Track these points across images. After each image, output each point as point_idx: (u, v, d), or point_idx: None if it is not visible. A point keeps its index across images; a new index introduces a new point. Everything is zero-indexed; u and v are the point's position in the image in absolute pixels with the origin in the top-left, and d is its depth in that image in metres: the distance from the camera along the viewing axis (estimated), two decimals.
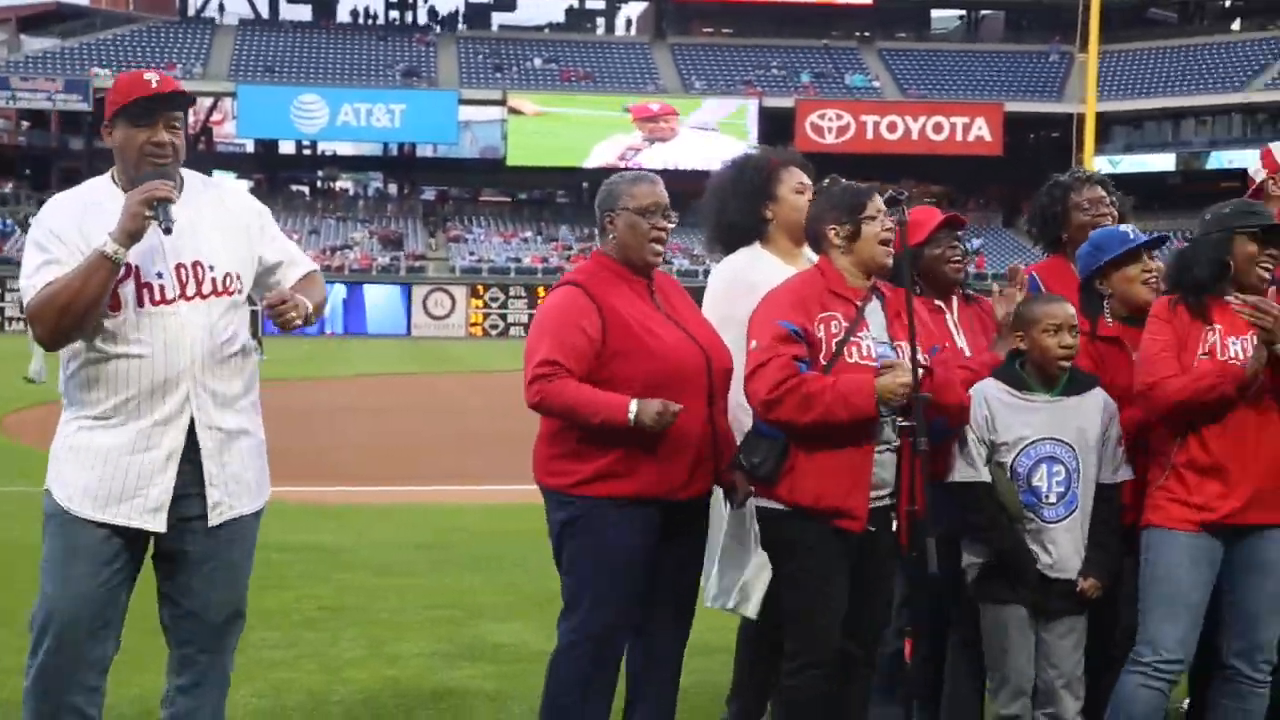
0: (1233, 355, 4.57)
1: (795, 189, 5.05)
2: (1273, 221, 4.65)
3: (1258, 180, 5.68)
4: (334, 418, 21.25)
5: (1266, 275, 4.62)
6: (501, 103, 61.13)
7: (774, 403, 4.36)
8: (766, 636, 4.84)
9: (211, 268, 4.06)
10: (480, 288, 55.25)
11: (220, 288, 4.08)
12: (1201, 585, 4.58)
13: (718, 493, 4.72)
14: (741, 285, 4.87)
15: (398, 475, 14.69)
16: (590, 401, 4.42)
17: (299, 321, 4.04)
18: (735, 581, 4.79)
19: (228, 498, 4.13)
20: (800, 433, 4.41)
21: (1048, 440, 4.73)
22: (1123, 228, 5.07)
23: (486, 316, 54.63)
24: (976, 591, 4.77)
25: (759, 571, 4.68)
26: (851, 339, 4.43)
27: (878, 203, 4.52)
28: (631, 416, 4.35)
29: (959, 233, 5.22)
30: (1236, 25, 65.88)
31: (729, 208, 5.11)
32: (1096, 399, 4.77)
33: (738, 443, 4.63)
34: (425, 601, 8.00)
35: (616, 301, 4.56)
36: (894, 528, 4.48)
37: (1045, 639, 4.76)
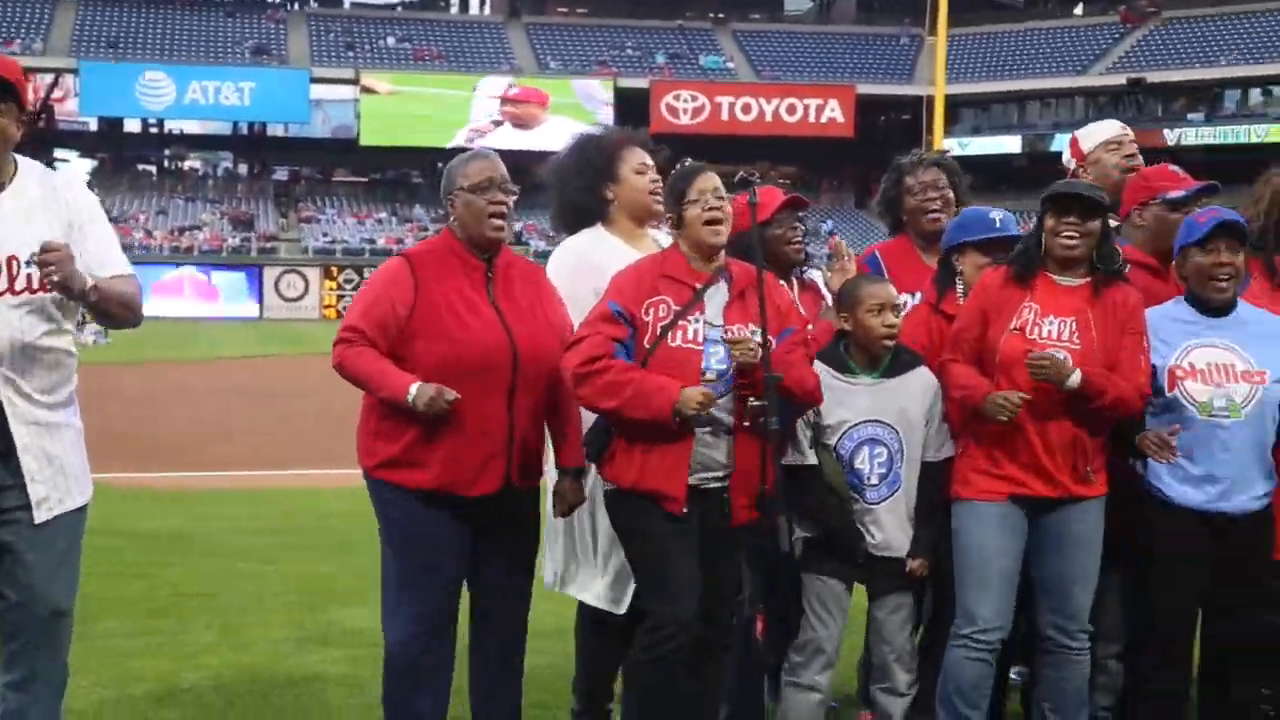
0: (1045, 334, 4.63)
1: (636, 169, 5.03)
2: (1065, 192, 4.71)
3: (1070, 168, 5.84)
4: (185, 400, 20.85)
5: (1070, 242, 4.65)
6: (354, 81, 60.31)
7: (580, 378, 4.38)
8: (606, 620, 4.85)
9: (27, 264, 3.90)
10: (334, 269, 54.49)
11: (33, 285, 3.93)
12: (1012, 554, 4.67)
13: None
14: (586, 266, 4.86)
15: (250, 459, 14.47)
16: (380, 374, 4.40)
17: (58, 279, 3.79)
18: (569, 567, 4.84)
19: (54, 492, 4.03)
20: (605, 416, 4.45)
21: (869, 423, 4.78)
22: (993, 214, 5.11)
23: (341, 298, 53.97)
24: (802, 562, 4.83)
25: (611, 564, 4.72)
26: (680, 322, 4.43)
27: (701, 184, 4.52)
28: (409, 397, 4.32)
29: (800, 214, 5.25)
30: (1079, 10, 67.45)
31: (570, 188, 5.08)
32: (920, 378, 4.83)
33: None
34: (278, 587, 7.90)
35: (437, 281, 4.51)
36: (727, 510, 4.48)
37: (876, 616, 4.85)
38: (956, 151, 53.09)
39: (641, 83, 61.27)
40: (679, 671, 4.41)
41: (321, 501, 11.33)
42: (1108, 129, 5.73)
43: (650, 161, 5.06)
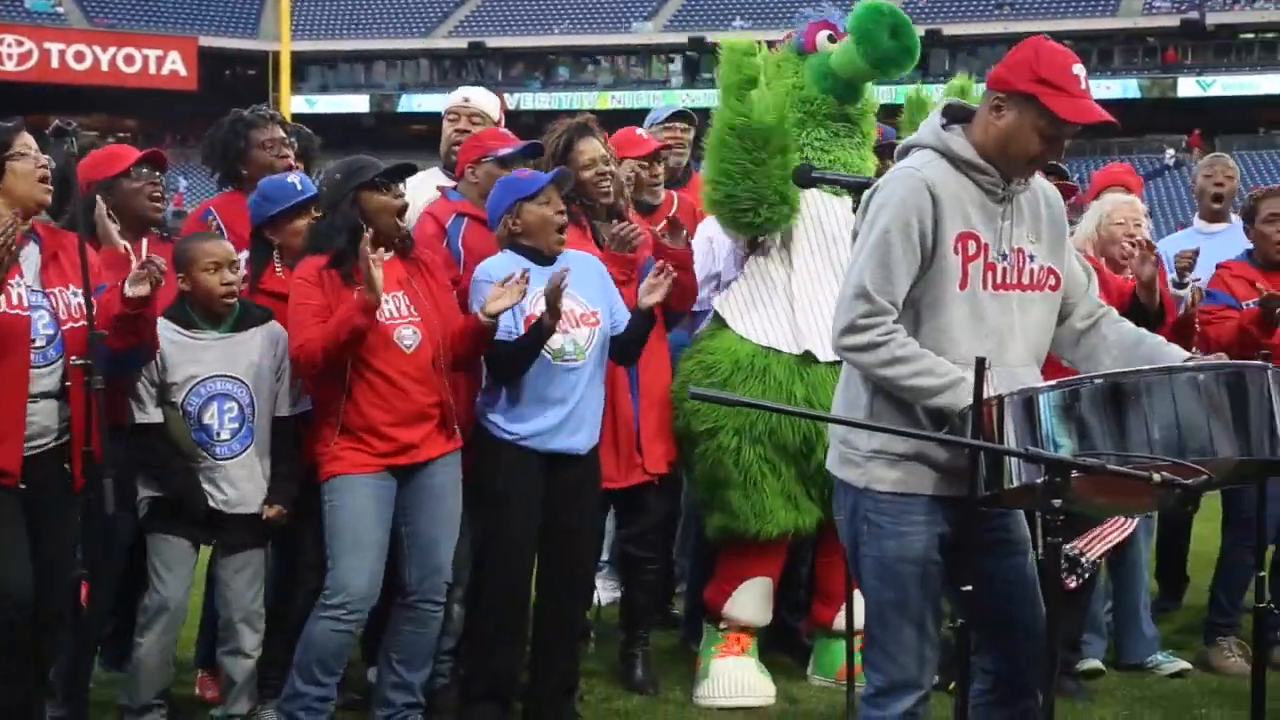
0: (387, 315, 4.63)
1: None
2: (387, 168, 4.78)
3: None
4: None
5: (400, 222, 4.75)
6: None
7: None
8: None
9: None
10: None
11: None
12: (384, 524, 4.70)
13: None
14: None
15: None
16: None
17: None
18: None
19: None
20: None
21: (218, 378, 4.71)
22: (290, 179, 5.07)
23: None
24: (146, 523, 4.72)
25: None
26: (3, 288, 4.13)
27: (27, 139, 4.22)
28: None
29: (159, 172, 5.13)
30: None
31: None
32: (268, 333, 4.79)
33: None
34: None
35: None
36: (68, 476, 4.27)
37: (222, 577, 4.80)
38: (305, 110, 52.80)
39: None
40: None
41: None
42: (450, 99, 5.99)
43: None
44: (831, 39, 5.28)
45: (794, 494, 5.32)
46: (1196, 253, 5.72)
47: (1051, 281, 3.67)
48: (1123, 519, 5.09)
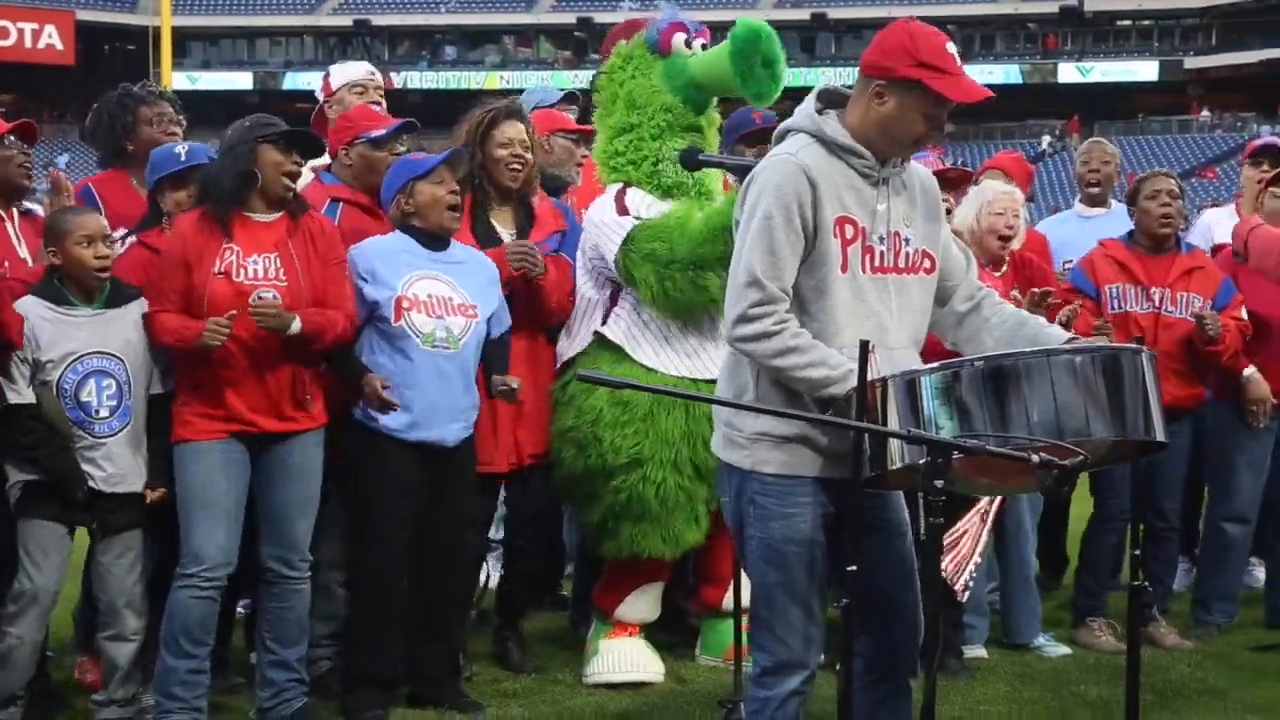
0: (251, 274, 4.60)
1: None
2: (291, 130, 4.76)
3: (321, 101, 5.94)
4: None
5: (290, 184, 4.70)
6: None
7: None
8: None
9: None
10: None
11: None
12: (237, 492, 4.66)
13: None
14: None
15: None
16: None
17: None
18: None
19: None
20: None
21: (94, 355, 4.64)
22: (177, 148, 5.08)
23: None
24: (17, 509, 4.62)
25: None
26: None
27: None
28: None
29: (28, 143, 5.05)
30: None
31: None
32: (141, 308, 4.72)
33: None
34: None
35: None
36: None
37: (103, 561, 4.73)
38: (186, 86, 51.90)
39: None
40: None
41: None
42: (355, 70, 5.97)
43: None
44: (687, 43, 5.21)
45: (699, 513, 5.31)
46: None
47: (927, 264, 3.71)
48: (976, 525, 5.15)
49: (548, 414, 5.41)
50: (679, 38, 5.21)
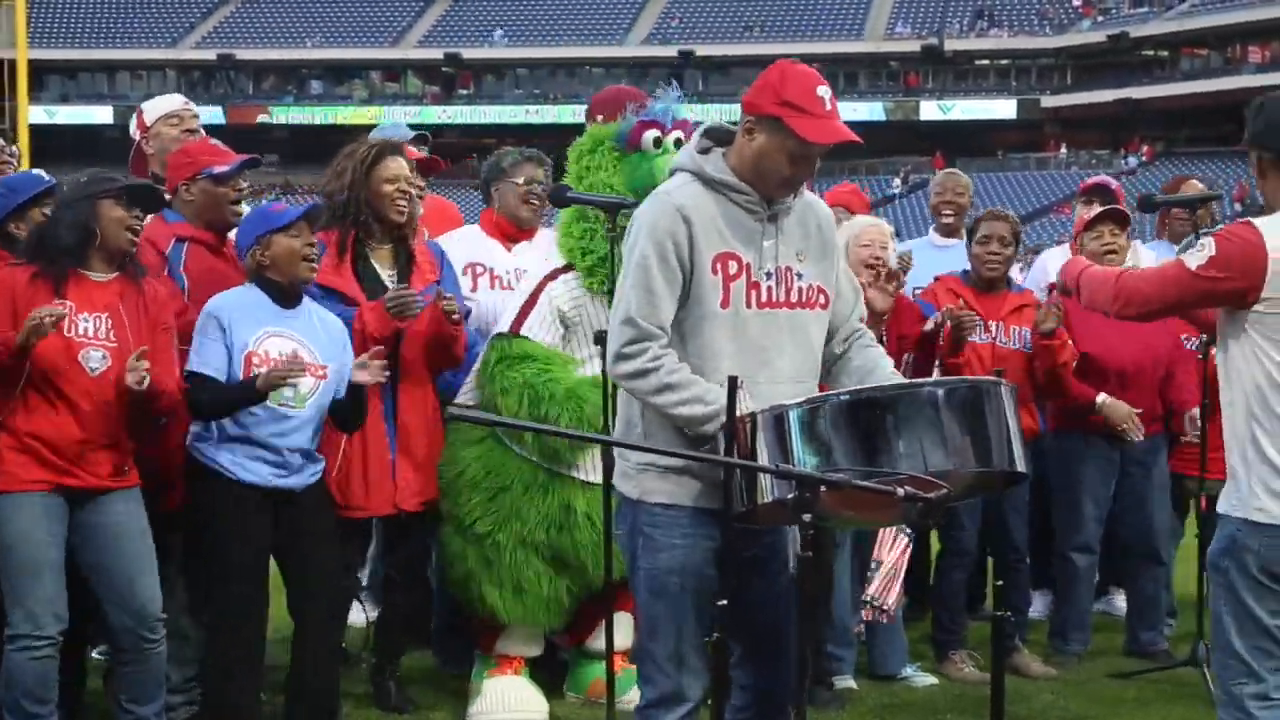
0: (80, 332, 4.49)
1: None
2: (133, 184, 4.72)
3: (136, 139, 5.84)
4: None
5: (134, 239, 4.61)
6: None
7: None
8: None
9: None
10: None
11: None
12: (58, 545, 4.52)
13: None
14: None
15: None
16: None
17: None
18: None
19: None
20: None
21: None
22: (36, 172, 5.00)
23: None
24: None
25: None
26: None
27: None
28: None
29: None
30: None
31: None
32: None
33: None
34: None
35: None
36: None
37: None
38: (44, 120, 50.80)
39: None
40: None
41: None
42: (169, 103, 5.85)
43: None
44: (657, 141, 5.06)
45: (561, 600, 5.27)
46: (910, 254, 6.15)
47: (822, 300, 3.76)
48: (901, 547, 5.20)
49: (436, 461, 5.36)
50: (649, 136, 5.06)
